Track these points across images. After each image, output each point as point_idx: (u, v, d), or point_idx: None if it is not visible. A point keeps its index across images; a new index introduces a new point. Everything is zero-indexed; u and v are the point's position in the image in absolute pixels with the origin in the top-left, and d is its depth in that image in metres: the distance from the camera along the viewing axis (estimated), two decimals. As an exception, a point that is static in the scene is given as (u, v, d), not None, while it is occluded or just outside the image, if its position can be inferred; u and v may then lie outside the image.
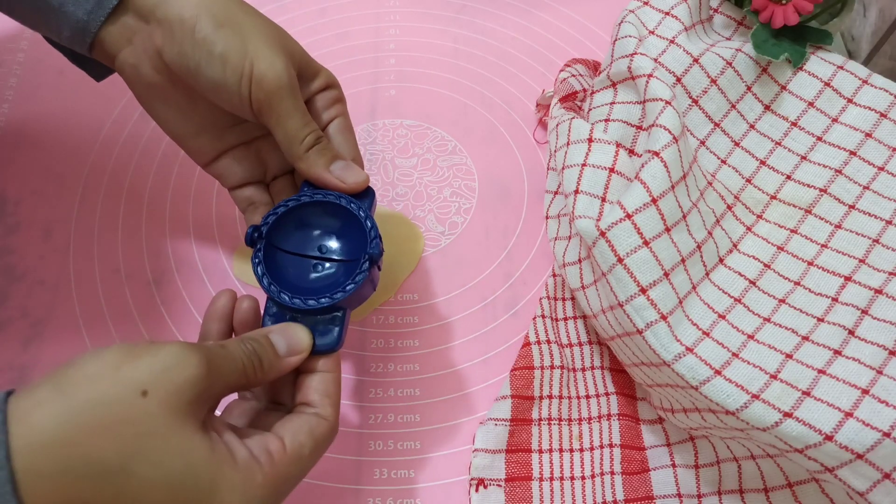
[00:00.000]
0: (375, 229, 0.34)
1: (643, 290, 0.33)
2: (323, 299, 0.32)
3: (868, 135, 0.39)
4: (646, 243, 0.33)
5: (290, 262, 0.34)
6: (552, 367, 0.41)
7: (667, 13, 0.41)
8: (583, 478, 0.38)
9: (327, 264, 0.34)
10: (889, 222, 0.37)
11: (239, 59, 0.33)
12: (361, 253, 0.33)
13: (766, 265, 0.38)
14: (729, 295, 0.36)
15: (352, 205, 0.34)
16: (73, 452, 0.23)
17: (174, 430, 0.25)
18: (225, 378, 0.28)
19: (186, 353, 0.26)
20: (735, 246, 0.38)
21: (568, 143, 0.38)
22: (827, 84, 0.41)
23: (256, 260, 0.33)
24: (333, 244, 0.35)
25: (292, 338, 0.31)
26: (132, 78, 0.35)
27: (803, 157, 0.40)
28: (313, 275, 0.34)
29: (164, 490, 0.25)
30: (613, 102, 0.40)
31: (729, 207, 0.39)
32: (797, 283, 0.37)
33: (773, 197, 0.40)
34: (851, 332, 0.34)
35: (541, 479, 0.38)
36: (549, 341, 0.42)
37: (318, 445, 0.30)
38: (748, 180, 0.40)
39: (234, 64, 0.33)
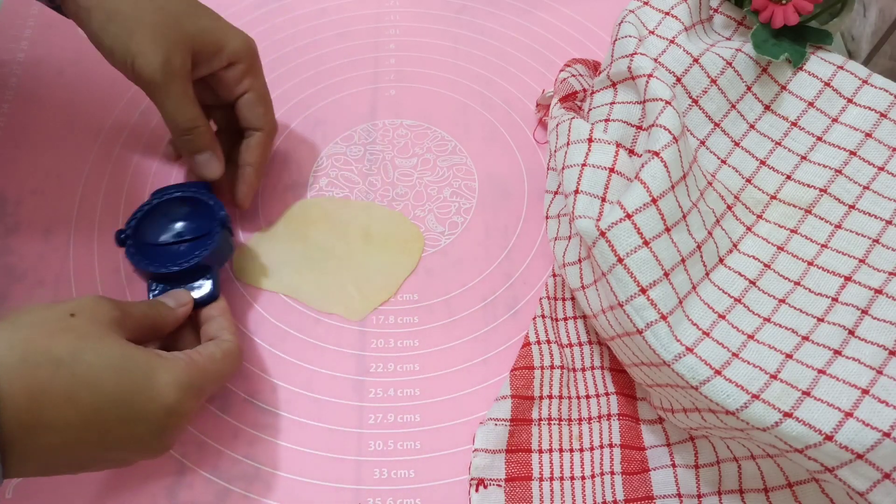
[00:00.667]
0: (219, 203, 0.41)
1: (643, 290, 0.33)
2: (192, 258, 0.39)
3: (868, 135, 0.39)
4: (646, 243, 0.33)
5: (159, 250, 0.41)
6: (552, 367, 0.41)
7: (667, 13, 0.41)
8: (583, 478, 0.38)
9: (188, 244, 0.41)
10: (889, 222, 0.37)
11: (122, 54, 0.37)
12: (214, 224, 0.41)
13: (766, 265, 0.38)
14: (729, 295, 0.36)
15: (192, 190, 0.42)
16: (29, 347, 0.29)
17: (105, 334, 0.31)
18: (135, 316, 0.34)
19: (100, 296, 0.33)
20: (735, 246, 0.38)
21: (568, 143, 0.38)
22: (827, 84, 0.41)
23: (130, 252, 0.40)
24: (191, 225, 0.42)
25: (176, 295, 0.38)
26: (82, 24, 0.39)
27: (803, 157, 0.40)
28: (180, 250, 0.41)
29: (110, 371, 0.30)
30: (613, 102, 0.40)
31: (729, 207, 0.39)
32: (797, 283, 0.37)
33: (773, 197, 0.40)
34: (851, 332, 0.34)
35: (541, 479, 0.38)
36: (549, 341, 0.42)
37: (225, 354, 0.36)
38: (748, 180, 0.40)
39: (118, 57, 0.38)
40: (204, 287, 0.39)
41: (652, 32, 0.41)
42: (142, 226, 0.41)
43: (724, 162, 0.41)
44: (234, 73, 0.39)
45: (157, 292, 0.39)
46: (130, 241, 0.40)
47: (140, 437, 0.32)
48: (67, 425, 0.29)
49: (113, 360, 0.30)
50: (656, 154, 0.35)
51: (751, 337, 0.34)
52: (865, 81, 0.40)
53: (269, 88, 0.44)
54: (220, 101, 0.43)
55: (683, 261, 0.34)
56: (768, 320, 0.35)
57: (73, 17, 0.38)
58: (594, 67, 0.49)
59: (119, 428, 0.31)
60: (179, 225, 0.42)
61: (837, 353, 0.33)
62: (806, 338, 0.34)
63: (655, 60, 0.39)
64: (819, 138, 0.40)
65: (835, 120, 0.40)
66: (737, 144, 0.41)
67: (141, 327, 0.35)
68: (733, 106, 0.41)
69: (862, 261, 0.37)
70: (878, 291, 0.35)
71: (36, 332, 0.30)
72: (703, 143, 0.40)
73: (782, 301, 0.36)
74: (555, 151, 0.40)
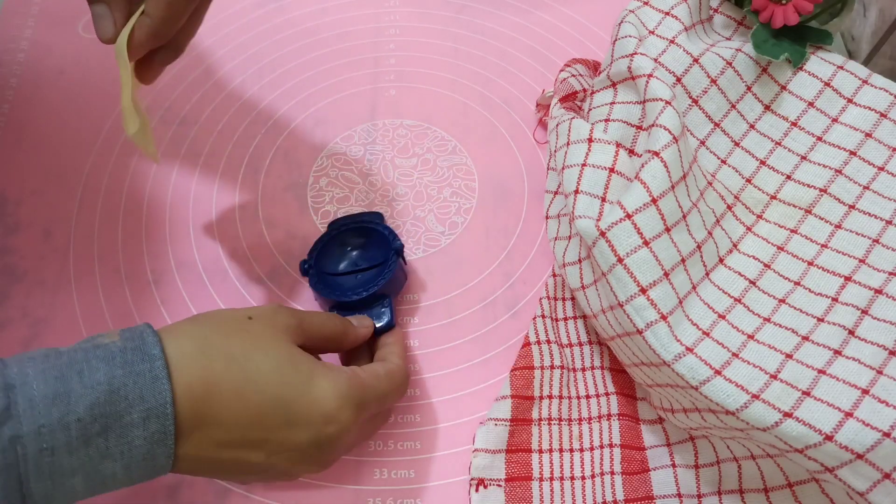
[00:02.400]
0: (393, 233, 0.43)
1: (643, 290, 0.33)
2: (371, 287, 0.41)
3: (868, 135, 0.39)
4: (646, 243, 0.33)
5: (338, 280, 0.43)
6: (552, 367, 0.41)
7: (667, 13, 0.41)
8: (583, 478, 0.38)
9: (364, 273, 0.43)
10: (889, 222, 0.37)
11: None
12: (389, 253, 0.42)
13: (766, 265, 0.38)
14: (729, 295, 0.36)
15: (366, 221, 0.44)
16: (208, 342, 0.31)
17: (277, 337, 0.33)
18: (312, 324, 0.35)
19: (281, 305, 0.35)
20: (735, 246, 0.38)
21: (568, 143, 0.38)
22: (827, 84, 0.41)
23: (313, 281, 0.42)
24: (366, 255, 0.43)
25: (361, 318, 0.40)
26: None
27: (803, 157, 0.40)
28: (357, 279, 0.43)
29: (275, 373, 0.31)
30: (613, 102, 0.40)
31: (729, 207, 0.39)
32: (797, 283, 0.37)
33: (773, 197, 0.40)
34: (851, 332, 0.34)
35: (541, 479, 0.38)
36: (549, 341, 0.42)
37: (390, 374, 0.36)
38: (748, 180, 0.40)
39: None
40: (383, 316, 0.40)
41: (652, 32, 0.41)
42: (321, 256, 0.43)
43: (724, 162, 0.41)
44: None
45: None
46: (313, 272, 0.42)
47: (299, 445, 0.32)
48: (234, 423, 0.30)
49: (279, 363, 0.32)
50: (656, 154, 0.35)
51: (751, 337, 0.34)
52: (865, 81, 0.40)
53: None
54: None
55: (683, 261, 0.34)
56: (768, 320, 0.35)
57: None
58: (594, 67, 0.49)
59: (280, 432, 0.31)
60: (355, 254, 0.43)
61: (837, 353, 0.33)
62: (806, 338, 0.34)
63: (655, 60, 0.39)
64: (819, 138, 0.40)
65: (835, 120, 0.40)
66: (737, 144, 0.41)
67: (319, 336, 0.36)
68: (733, 106, 0.41)
69: (862, 261, 0.37)
70: (878, 291, 0.35)
71: (215, 329, 0.32)
72: (703, 143, 0.40)
73: (782, 301, 0.36)
74: (555, 151, 0.40)
